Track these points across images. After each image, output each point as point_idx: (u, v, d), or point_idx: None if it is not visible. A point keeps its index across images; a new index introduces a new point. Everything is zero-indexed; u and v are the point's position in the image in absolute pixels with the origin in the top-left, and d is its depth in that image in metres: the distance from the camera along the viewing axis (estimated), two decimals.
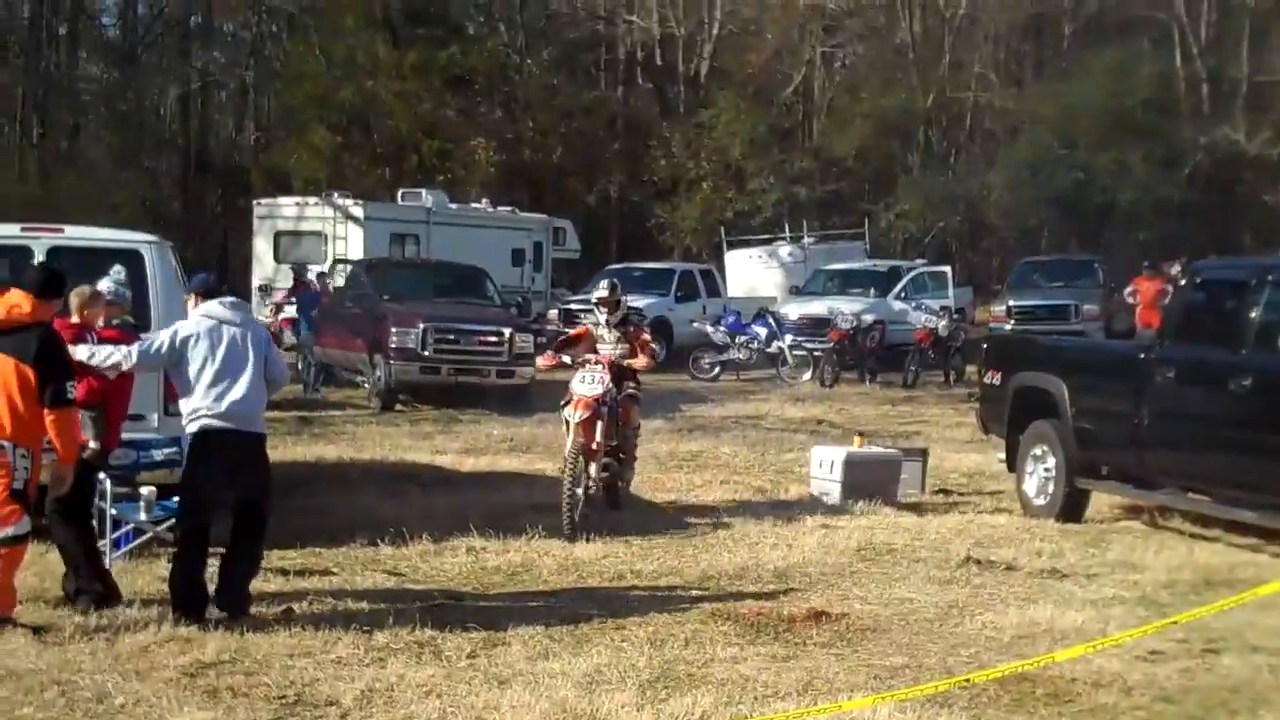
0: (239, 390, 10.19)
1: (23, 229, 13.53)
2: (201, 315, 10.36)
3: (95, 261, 12.14)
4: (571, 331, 16.23)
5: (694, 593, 11.65)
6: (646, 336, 15.51)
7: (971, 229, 53.14)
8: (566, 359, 15.30)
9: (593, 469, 14.31)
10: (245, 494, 10.33)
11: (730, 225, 47.74)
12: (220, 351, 10.21)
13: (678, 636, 10.19)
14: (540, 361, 16.16)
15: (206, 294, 10.57)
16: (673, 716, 8.27)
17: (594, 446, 14.29)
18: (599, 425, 14.32)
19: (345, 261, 31.47)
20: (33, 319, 9.76)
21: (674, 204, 51.93)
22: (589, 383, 14.41)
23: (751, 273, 41.98)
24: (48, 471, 10.02)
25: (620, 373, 14.92)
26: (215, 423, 10.14)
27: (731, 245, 44.53)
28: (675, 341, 34.36)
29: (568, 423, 14.47)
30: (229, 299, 10.63)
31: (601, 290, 15.50)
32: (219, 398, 10.13)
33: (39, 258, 12.59)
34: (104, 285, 10.83)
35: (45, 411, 9.64)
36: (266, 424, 10.79)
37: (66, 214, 34.43)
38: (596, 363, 14.68)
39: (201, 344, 10.20)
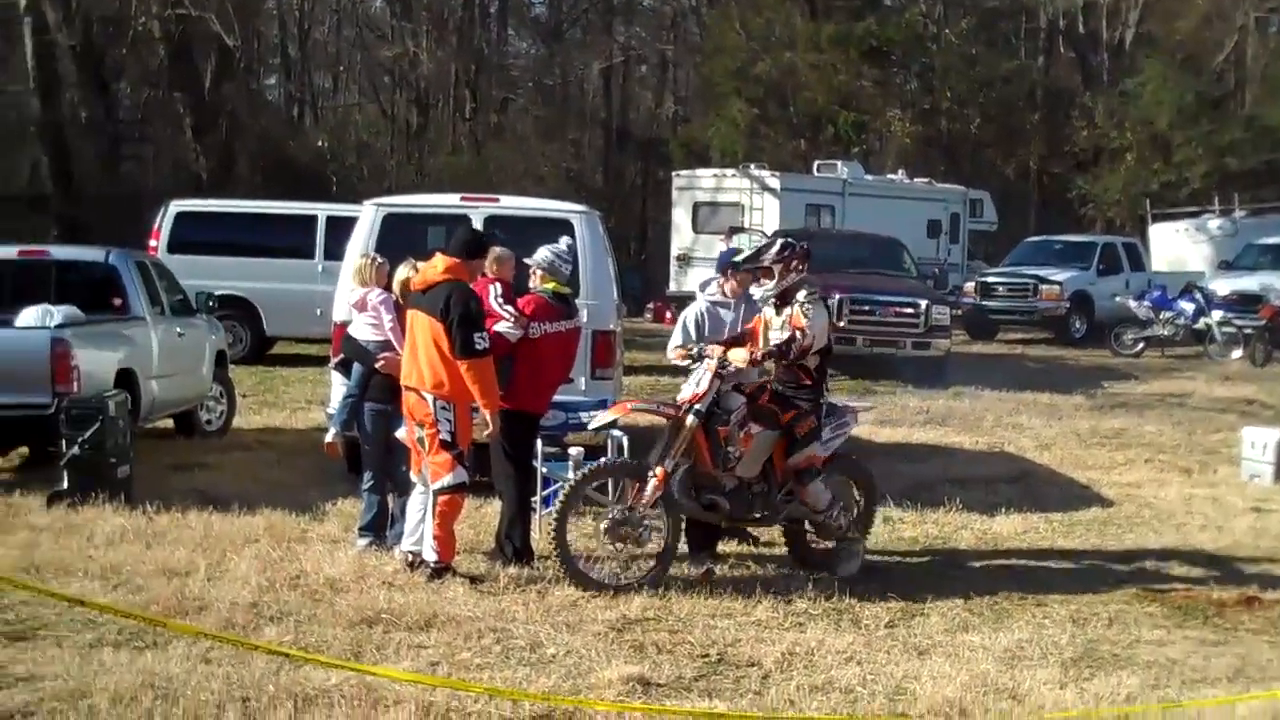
0: None
1: (462, 199, 14.18)
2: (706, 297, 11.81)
3: (528, 230, 12.60)
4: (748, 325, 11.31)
5: (1118, 572, 11.40)
6: (800, 321, 10.52)
7: None
8: (695, 352, 10.83)
9: (640, 507, 10.32)
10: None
11: (1155, 197, 46.10)
12: (709, 327, 11.50)
13: (1101, 616, 10.01)
14: (672, 354, 11.38)
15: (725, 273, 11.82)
16: (1097, 696, 8.11)
17: (654, 474, 10.28)
18: (674, 441, 10.39)
19: (743, 230, 31.61)
20: (444, 277, 10.26)
21: (1096, 175, 50.39)
22: (689, 383, 10.62)
23: (1178, 246, 40.45)
24: (480, 428, 10.46)
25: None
26: None
27: (1156, 218, 43.03)
28: (1097, 316, 33.56)
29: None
30: (721, 280, 11.80)
31: (754, 248, 11.18)
32: None
33: (477, 226, 13.15)
34: (539, 254, 11.19)
35: (459, 362, 10.09)
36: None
37: (497, 185, 36.09)
38: (710, 355, 10.59)
39: (705, 322, 11.58)
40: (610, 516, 10.33)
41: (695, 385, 10.42)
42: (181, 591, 9.60)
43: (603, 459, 11.16)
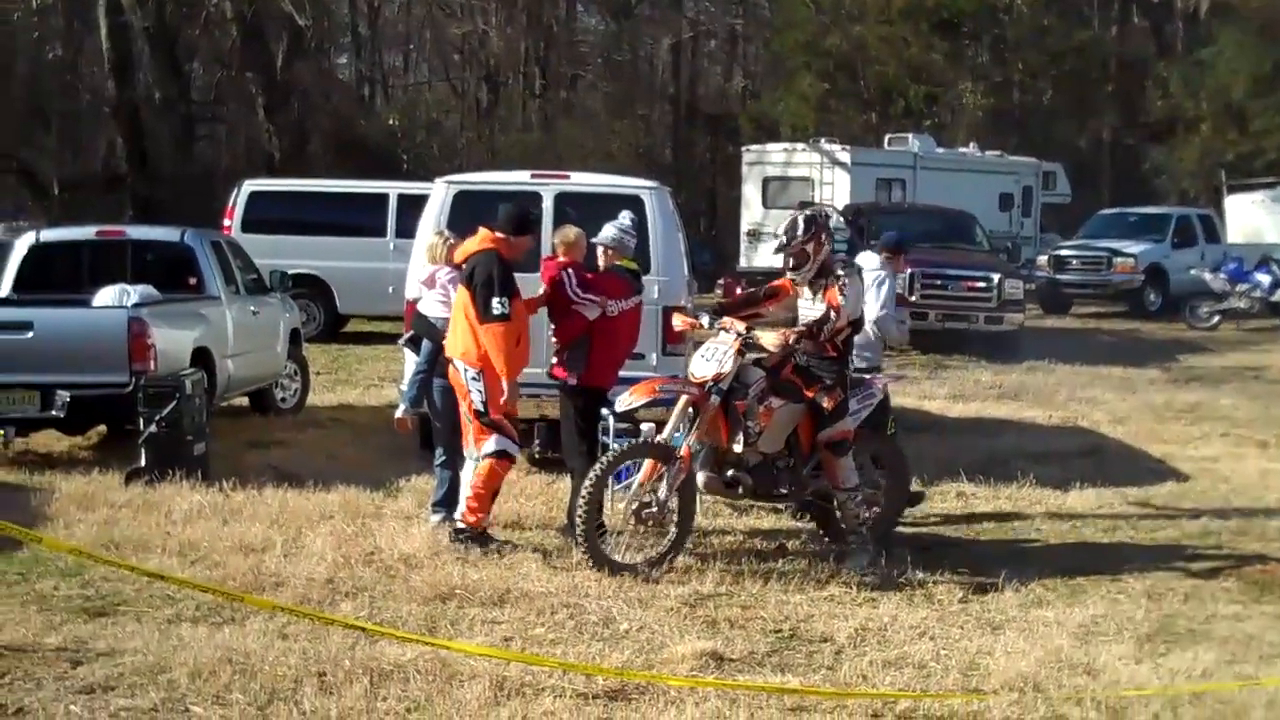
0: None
1: (532, 176, 14.19)
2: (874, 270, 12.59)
3: (598, 206, 12.59)
4: (773, 283, 10.99)
5: (1193, 547, 11.33)
6: (837, 299, 10.21)
7: None
8: (705, 321, 10.61)
9: (661, 486, 10.02)
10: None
11: (1231, 168, 45.55)
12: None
13: (1176, 591, 9.93)
14: (677, 321, 11.11)
15: (889, 250, 13.00)
16: (1173, 672, 8.06)
17: (679, 455, 10.04)
18: (695, 420, 10.12)
19: (813, 205, 31.48)
20: (480, 248, 10.39)
21: (1171, 146, 49.88)
22: (706, 358, 10.19)
23: (1254, 218, 39.92)
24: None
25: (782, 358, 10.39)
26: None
27: (1232, 189, 42.49)
28: (1172, 289, 33.25)
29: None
30: (878, 256, 12.83)
31: (780, 235, 10.59)
32: None
33: (547, 203, 13.21)
34: (606, 232, 11.22)
35: (480, 327, 10.18)
36: None
37: (567, 161, 36.13)
38: (728, 328, 10.31)
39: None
40: (635, 499, 10.04)
41: (718, 364, 10.05)
42: (258, 568, 9.70)
43: (629, 440, 10.93)
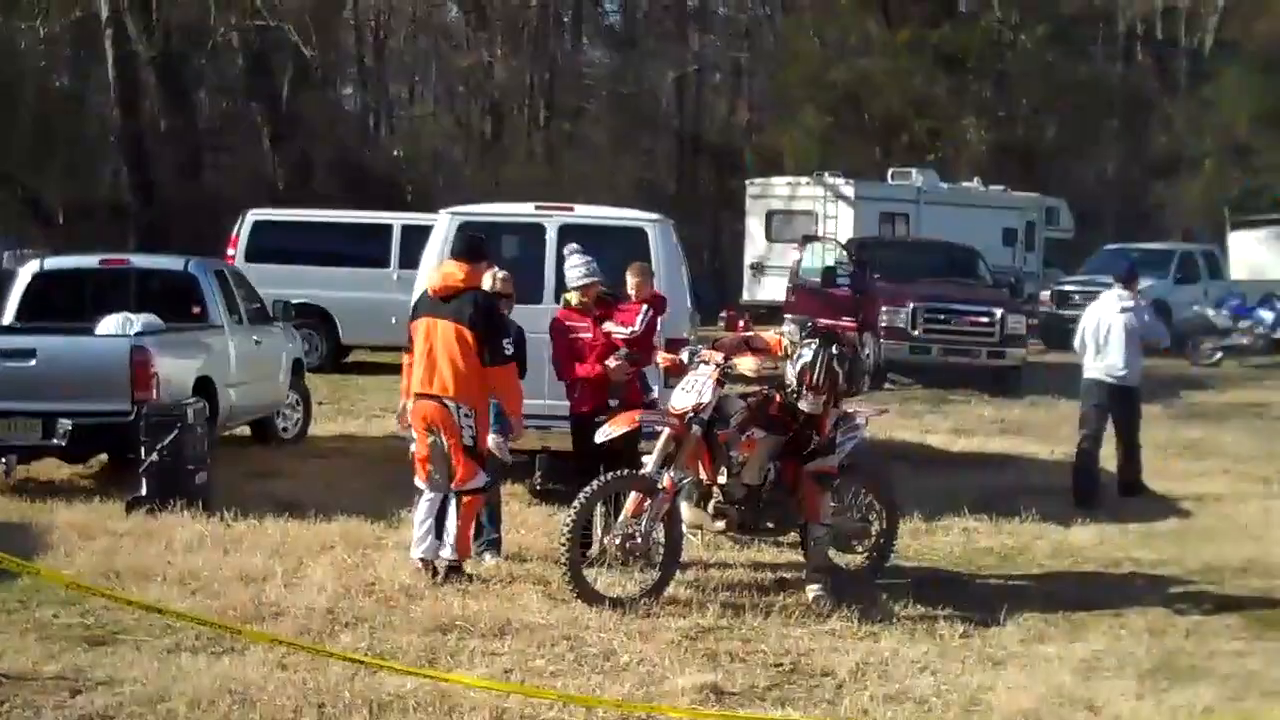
0: (1113, 352, 14.53)
1: (536, 208, 14.22)
2: (1104, 297, 14.96)
3: (602, 238, 12.64)
4: (766, 336, 10.93)
5: (1195, 584, 11.32)
6: (829, 427, 10.35)
7: None
8: (685, 358, 10.62)
9: (644, 518, 9.93)
10: (1116, 426, 14.82)
11: (1235, 204, 45.58)
12: (1105, 324, 14.59)
13: (1178, 627, 9.93)
14: (659, 357, 11.26)
15: (1122, 281, 14.96)
16: (1174, 708, 8.06)
17: (661, 486, 9.96)
18: (678, 452, 10.07)
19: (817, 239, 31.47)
20: (466, 284, 10.39)
21: (1174, 182, 49.94)
22: (686, 390, 10.16)
23: (1258, 254, 39.89)
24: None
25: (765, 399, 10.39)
26: (1095, 375, 14.70)
27: (1236, 226, 42.51)
28: (1175, 325, 33.20)
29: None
30: (1123, 290, 14.79)
31: (818, 377, 10.06)
32: (1099, 357, 14.60)
33: (550, 235, 13.25)
34: (581, 270, 11.25)
35: (488, 370, 10.22)
36: None
37: (570, 194, 36.05)
38: (707, 360, 10.32)
39: (1093, 318, 14.81)
40: (619, 532, 9.94)
41: (698, 394, 10.01)
42: (258, 597, 9.70)
43: (611, 473, 10.52)
